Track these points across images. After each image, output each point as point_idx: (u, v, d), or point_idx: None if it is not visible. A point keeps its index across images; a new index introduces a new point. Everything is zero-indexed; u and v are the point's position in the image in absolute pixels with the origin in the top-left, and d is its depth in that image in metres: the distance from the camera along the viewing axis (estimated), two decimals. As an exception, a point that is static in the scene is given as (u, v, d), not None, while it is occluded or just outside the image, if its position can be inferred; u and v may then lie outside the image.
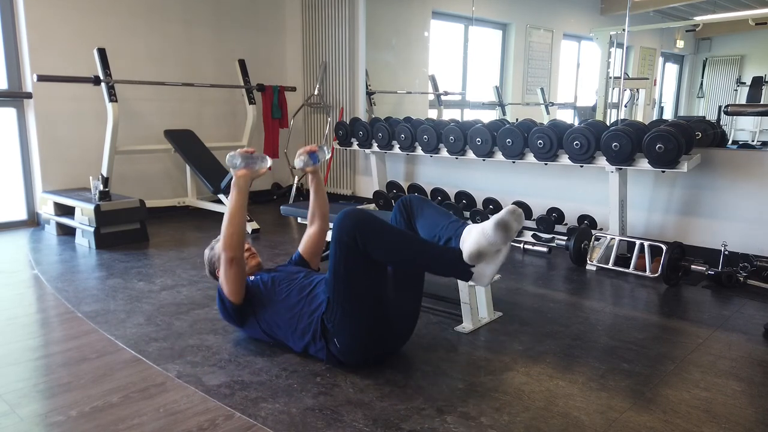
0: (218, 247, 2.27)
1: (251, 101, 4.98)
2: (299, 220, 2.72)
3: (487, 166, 4.43)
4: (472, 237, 1.87)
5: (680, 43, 5.50)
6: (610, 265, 3.42)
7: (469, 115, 5.66)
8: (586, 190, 4.00)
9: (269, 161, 2.25)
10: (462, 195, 4.37)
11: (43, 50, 4.21)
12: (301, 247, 2.49)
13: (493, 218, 1.84)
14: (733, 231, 3.42)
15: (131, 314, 2.61)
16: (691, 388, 1.98)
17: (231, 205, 2.16)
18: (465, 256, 1.87)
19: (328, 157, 2.52)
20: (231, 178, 4.54)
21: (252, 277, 2.27)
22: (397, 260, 1.97)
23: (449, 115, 5.62)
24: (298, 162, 2.42)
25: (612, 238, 3.47)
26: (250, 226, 4.25)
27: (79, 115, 4.42)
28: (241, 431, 1.68)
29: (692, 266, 3.18)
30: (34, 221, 4.46)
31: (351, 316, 1.96)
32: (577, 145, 3.45)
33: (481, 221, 1.91)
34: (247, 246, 2.36)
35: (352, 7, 5.20)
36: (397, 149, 4.52)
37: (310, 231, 2.51)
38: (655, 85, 5.53)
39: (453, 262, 1.89)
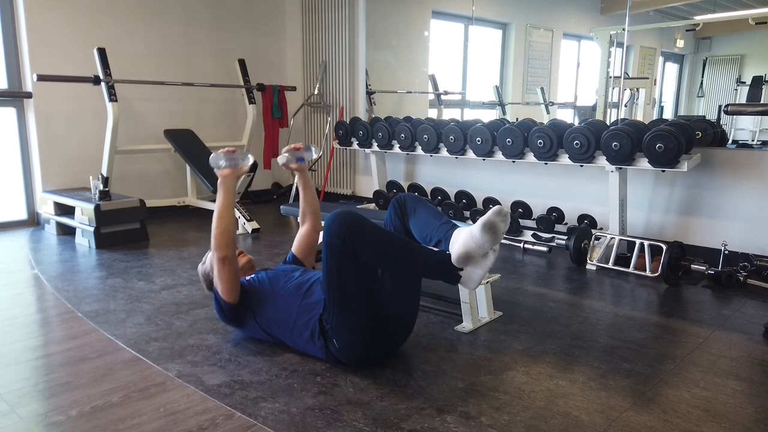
0: (210, 257, 2.30)
1: (251, 101, 4.98)
2: (299, 220, 2.72)
3: (487, 166, 4.43)
4: (461, 240, 1.88)
5: (680, 43, 5.50)
6: (610, 265, 3.42)
7: (469, 114, 5.66)
8: (586, 190, 4.00)
9: (251, 158, 2.27)
10: (462, 195, 4.37)
11: (43, 50, 4.20)
12: (295, 247, 2.49)
13: (480, 220, 1.85)
14: (733, 230, 3.42)
15: (131, 314, 2.61)
16: (691, 388, 1.98)
17: (219, 204, 2.17)
18: (453, 259, 1.88)
19: (314, 157, 2.54)
20: None
21: (247, 278, 2.27)
22: (386, 263, 1.97)
23: (449, 114, 5.62)
24: (281, 158, 2.45)
25: (612, 238, 3.47)
26: (251, 226, 4.25)
27: (79, 115, 4.42)
28: (241, 431, 1.68)
29: (692, 266, 3.18)
30: (34, 221, 4.46)
31: (347, 317, 1.96)
32: (577, 144, 3.45)
33: (481, 216, 1.92)
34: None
35: (352, 7, 5.20)
36: (397, 149, 4.52)
37: (302, 230, 2.52)
38: (655, 84, 5.53)
39: (441, 265, 1.90)
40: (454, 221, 2.05)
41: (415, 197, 2.18)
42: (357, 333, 1.99)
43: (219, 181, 2.20)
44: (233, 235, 2.17)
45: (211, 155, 2.23)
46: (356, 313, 1.96)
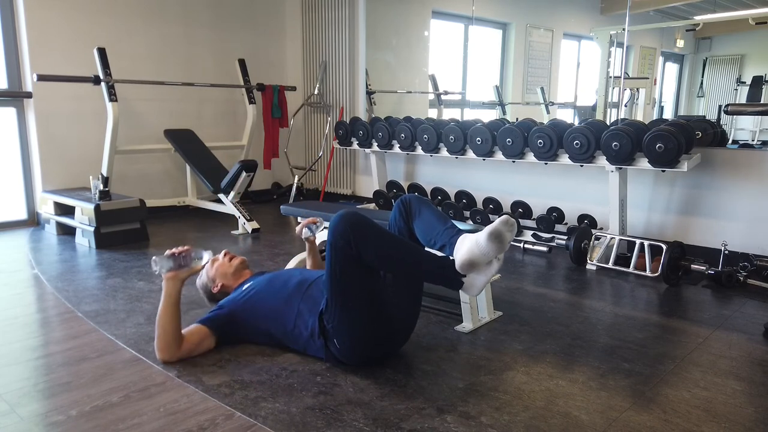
0: (206, 275, 2.35)
1: (251, 101, 4.98)
2: (299, 219, 2.72)
3: (487, 166, 4.43)
4: (465, 247, 1.87)
5: (680, 43, 5.50)
6: (610, 265, 3.42)
7: (469, 114, 5.66)
8: (586, 190, 4.00)
9: (206, 256, 2.12)
10: (462, 194, 4.37)
11: (43, 50, 4.20)
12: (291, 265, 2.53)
13: (487, 229, 1.85)
14: (733, 230, 3.42)
15: (131, 314, 2.61)
16: (691, 388, 1.98)
17: (159, 307, 2.05)
18: (457, 265, 1.88)
19: (319, 231, 2.57)
20: (231, 177, 4.54)
21: (245, 285, 2.27)
22: (389, 265, 1.98)
23: (449, 114, 5.62)
24: (306, 232, 2.51)
25: (612, 238, 3.47)
26: (251, 226, 4.25)
27: (79, 115, 4.42)
28: (241, 431, 1.68)
29: (692, 266, 3.18)
30: (34, 221, 4.46)
31: (349, 317, 1.96)
32: (577, 144, 3.45)
33: (481, 221, 1.92)
34: (224, 252, 2.43)
35: (352, 7, 5.20)
36: (397, 149, 4.52)
37: (306, 261, 2.63)
38: (655, 84, 5.53)
39: (444, 270, 1.90)
40: (458, 226, 2.05)
41: (420, 199, 2.17)
42: (358, 333, 1.99)
43: (163, 282, 2.08)
44: (173, 338, 2.06)
45: (153, 258, 2.04)
46: (358, 314, 1.96)
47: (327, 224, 2.53)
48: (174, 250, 2.07)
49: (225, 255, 2.42)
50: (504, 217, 1.87)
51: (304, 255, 2.79)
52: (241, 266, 2.39)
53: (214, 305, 2.32)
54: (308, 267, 2.63)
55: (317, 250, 2.63)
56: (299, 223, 2.56)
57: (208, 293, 2.40)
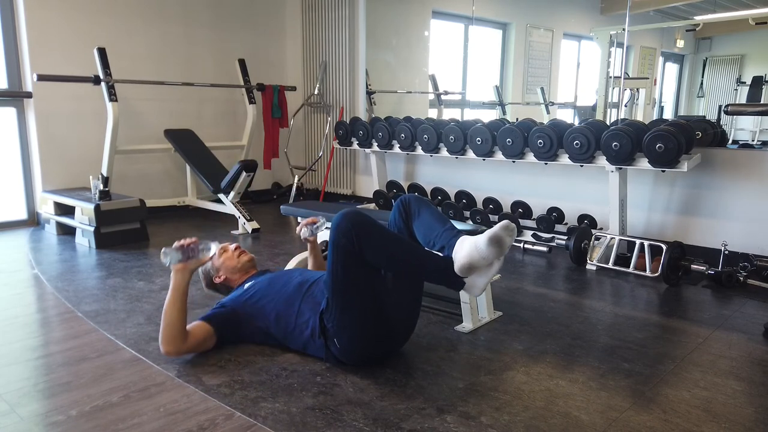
0: (211, 263, 2.33)
1: (251, 101, 4.98)
2: (299, 219, 2.72)
3: (487, 166, 4.43)
4: (465, 250, 1.87)
5: (680, 43, 5.50)
6: (610, 265, 3.42)
7: (469, 114, 5.66)
8: (586, 190, 4.00)
9: (213, 247, 2.13)
10: (462, 194, 4.37)
11: (43, 50, 4.21)
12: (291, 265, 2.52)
13: (487, 233, 1.84)
14: (733, 231, 3.42)
15: (131, 314, 2.61)
16: (691, 388, 1.98)
17: (166, 298, 2.06)
18: (456, 267, 1.88)
19: (320, 231, 2.56)
20: (231, 177, 4.54)
21: (246, 284, 2.27)
22: (391, 264, 1.98)
23: (449, 114, 5.62)
24: (305, 232, 2.47)
25: (612, 238, 3.47)
26: (251, 226, 4.25)
27: (79, 115, 4.42)
28: (241, 431, 1.68)
29: (692, 266, 3.18)
30: (34, 221, 4.46)
31: (350, 317, 1.96)
32: (577, 144, 3.45)
33: (481, 221, 1.92)
34: (235, 246, 2.44)
35: (352, 7, 5.20)
36: (397, 149, 4.52)
37: (308, 261, 2.62)
38: (655, 84, 5.53)
39: (445, 271, 1.91)
40: (457, 228, 2.04)
41: (419, 199, 2.17)
42: (359, 332, 1.99)
43: (171, 274, 2.08)
44: (178, 330, 2.05)
45: (162, 250, 2.05)
46: (359, 313, 1.96)
47: (328, 224, 2.53)
48: (182, 241, 2.08)
49: (236, 249, 2.41)
50: (505, 222, 1.86)
51: (304, 255, 2.79)
52: (248, 264, 2.40)
53: (209, 292, 2.41)
54: (309, 267, 2.63)
55: (318, 249, 2.63)
56: (299, 223, 2.56)
57: (209, 280, 2.39)
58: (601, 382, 2.01)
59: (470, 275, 1.89)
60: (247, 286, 2.27)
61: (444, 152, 4.18)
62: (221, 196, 4.43)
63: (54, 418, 1.74)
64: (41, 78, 3.80)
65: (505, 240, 1.84)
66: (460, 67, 5.69)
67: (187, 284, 2.09)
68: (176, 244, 2.08)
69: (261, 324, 2.18)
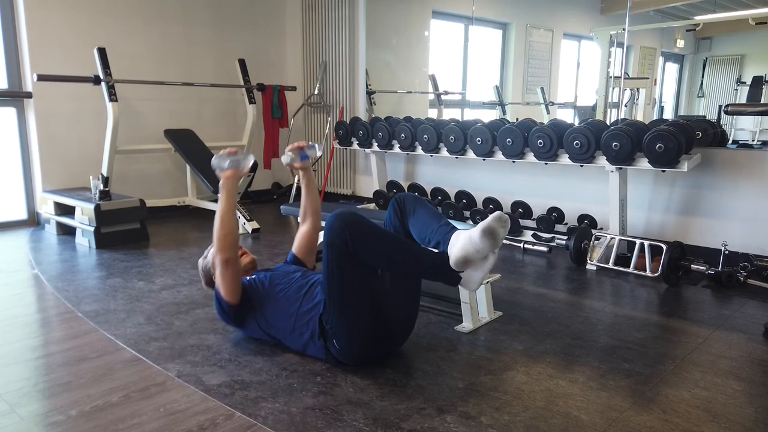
0: (212, 253, 2.27)
1: (251, 101, 4.98)
2: (299, 219, 2.72)
3: (487, 166, 4.43)
4: (459, 244, 1.88)
5: (680, 43, 5.50)
6: (610, 265, 3.42)
7: (469, 114, 5.66)
8: (586, 190, 4.00)
9: (252, 158, 2.28)
10: (462, 194, 4.37)
11: (43, 50, 4.20)
12: (295, 247, 2.48)
13: (480, 225, 1.85)
14: (733, 231, 3.42)
15: (131, 314, 2.61)
16: (691, 388, 1.98)
17: (221, 206, 2.17)
18: (452, 262, 1.88)
19: (319, 155, 2.54)
20: None
21: (248, 278, 2.27)
22: (386, 263, 1.97)
23: (449, 114, 5.62)
24: (285, 158, 2.45)
25: (612, 238, 3.47)
26: (251, 226, 4.25)
27: (79, 115, 4.42)
28: (241, 431, 1.68)
29: (692, 266, 3.18)
30: (34, 221, 4.46)
31: (347, 317, 1.96)
32: (577, 144, 3.45)
33: (482, 221, 1.92)
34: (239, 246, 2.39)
35: (352, 7, 5.20)
36: (397, 149, 4.52)
37: (303, 229, 2.51)
38: (655, 84, 5.53)
39: (441, 267, 1.91)
40: (453, 223, 2.05)
41: (414, 197, 2.18)
42: (357, 333, 1.99)
43: (221, 182, 2.19)
44: (237, 236, 2.17)
45: (213, 157, 2.24)
46: (356, 314, 1.96)
47: (318, 145, 2.50)
48: (229, 149, 2.21)
49: (239, 248, 2.38)
50: (497, 213, 1.87)
51: (304, 228, 2.54)
52: (249, 265, 2.38)
53: (210, 290, 2.38)
54: (302, 210, 2.51)
55: (312, 178, 2.51)
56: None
57: (208, 277, 2.37)
58: (601, 382, 2.01)
59: (466, 269, 1.89)
60: (250, 278, 2.26)
61: (444, 152, 4.18)
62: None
63: (54, 418, 1.74)
64: (41, 78, 3.80)
65: (499, 231, 1.85)
66: (460, 67, 5.69)
67: (237, 190, 2.21)
68: (224, 151, 2.20)
69: (260, 321, 2.18)
